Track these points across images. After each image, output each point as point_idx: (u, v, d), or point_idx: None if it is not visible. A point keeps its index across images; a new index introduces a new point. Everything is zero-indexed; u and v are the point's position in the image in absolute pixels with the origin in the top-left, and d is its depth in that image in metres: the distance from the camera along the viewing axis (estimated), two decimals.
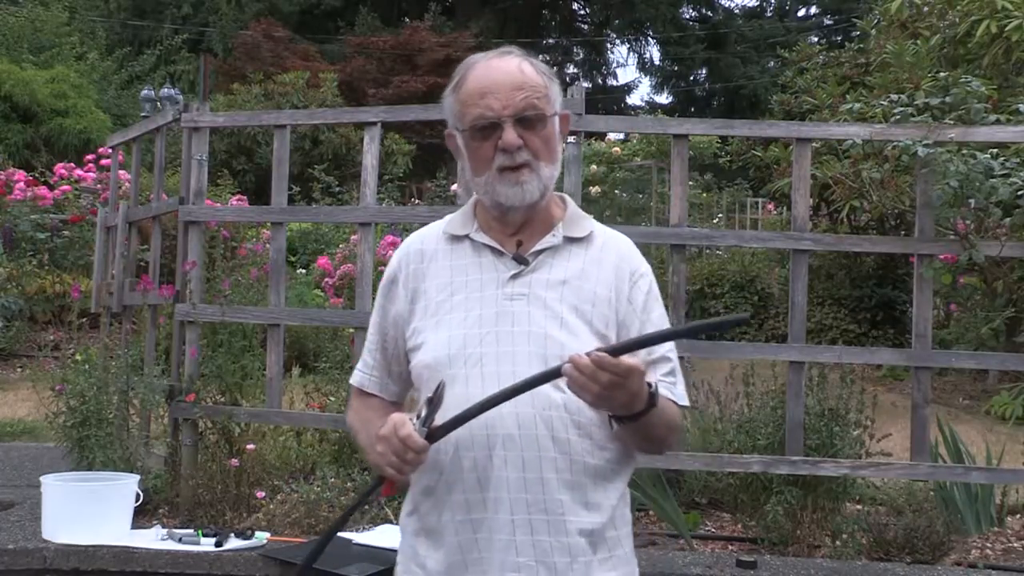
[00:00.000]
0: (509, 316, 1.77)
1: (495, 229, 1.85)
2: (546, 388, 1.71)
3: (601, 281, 1.82)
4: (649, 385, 1.69)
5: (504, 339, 1.75)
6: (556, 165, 1.83)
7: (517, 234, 1.84)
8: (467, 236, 1.85)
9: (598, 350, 1.61)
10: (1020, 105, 5.11)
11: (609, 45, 33.57)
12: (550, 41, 33.18)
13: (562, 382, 1.69)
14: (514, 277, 1.80)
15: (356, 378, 1.97)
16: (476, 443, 1.72)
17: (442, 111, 1.89)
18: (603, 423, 1.77)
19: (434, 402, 1.68)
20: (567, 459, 1.73)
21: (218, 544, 4.33)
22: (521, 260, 1.81)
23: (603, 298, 1.80)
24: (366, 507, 4.49)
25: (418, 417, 1.68)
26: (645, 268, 1.88)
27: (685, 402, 1.85)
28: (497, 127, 1.76)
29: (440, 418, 1.68)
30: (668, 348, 1.84)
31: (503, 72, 1.78)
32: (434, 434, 1.67)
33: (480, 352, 1.75)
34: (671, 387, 1.81)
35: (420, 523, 1.80)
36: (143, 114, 17.23)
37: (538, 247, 1.82)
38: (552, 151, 1.81)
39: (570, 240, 1.84)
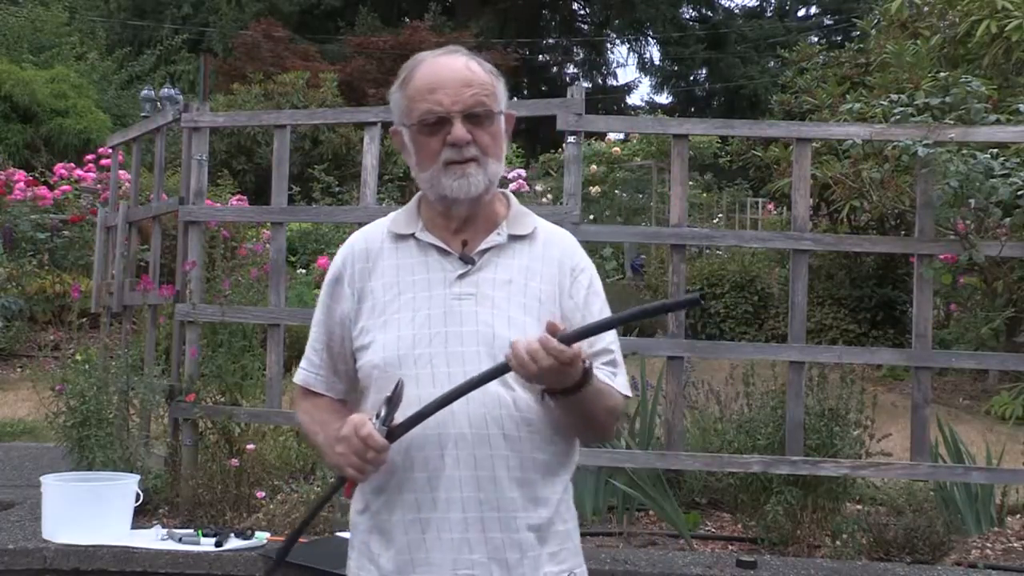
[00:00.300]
0: (457, 316, 1.79)
1: (440, 226, 1.86)
2: (496, 387, 1.74)
3: (546, 278, 1.85)
4: (583, 362, 1.70)
5: (453, 339, 1.78)
6: (502, 162, 1.85)
7: (462, 231, 1.86)
8: (412, 235, 1.87)
9: (552, 334, 1.63)
10: (1020, 105, 5.11)
11: (609, 45, 33.54)
12: (550, 41, 33.16)
13: (511, 379, 1.73)
14: (461, 277, 1.82)
15: (301, 377, 1.96)
16: (428, 443, 1.74)
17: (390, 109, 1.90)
18: (549, 418, 1.80)
19: (393, 401, 1.69)
20: (517, 456, 1.76)
21: (218, 544, 4.33)
22: (467, 260, 1.83)
23: (549, 295, 1.84)
24: None
25: (377, 416, 1.69)
26: (586, 263, 1.91)
27: (627, 392, 1.88)
28: (446, 122, 1.78)
29: (399, 416, 1.69)
30: (610, 340, 1.87)
31: (451, 69, 1.81)
32: (394, 432, 1.69)
33: (430, 352, 1.77)
34: (612, 377, 1.84)
35: (372, 521, 1.83)
36: (143, 114, 17.23)
37: (484, 246, 1.84)
38: (499, 148, 1.84)
39: (514, 238, 1.87)
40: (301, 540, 4.41)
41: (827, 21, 30.82)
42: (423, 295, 1.81)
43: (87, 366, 5.07)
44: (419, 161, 1.83)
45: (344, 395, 1.95)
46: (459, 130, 1.77)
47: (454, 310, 1.79)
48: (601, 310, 1.87)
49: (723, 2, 33.08)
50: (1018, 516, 5.43)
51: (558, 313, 1.82)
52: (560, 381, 1.68)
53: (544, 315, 1.80)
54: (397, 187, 12.94)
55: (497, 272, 1.83)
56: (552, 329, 1.63)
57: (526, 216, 1.91)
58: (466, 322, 1.78)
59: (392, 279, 1.85)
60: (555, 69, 33.70)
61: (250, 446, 4.88)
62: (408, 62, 1.87)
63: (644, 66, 33.04)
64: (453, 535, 1.74)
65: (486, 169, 1.81)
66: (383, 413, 1.69)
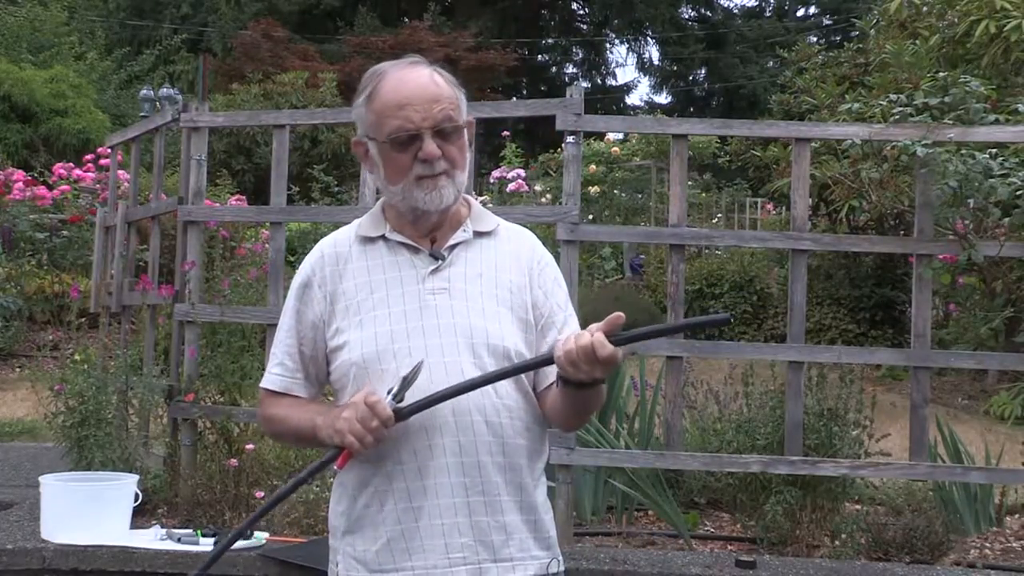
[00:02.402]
0: (433, 310, 1.85)
1: (407, 229, 1.91)
2: (475, 374, 1.79)
3: (514, 270, 1.92)
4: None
5: (431, 332, 1.83)
6: (467, 171, 1.91)
7: (430, 234, 1.91)
8: (382, 236, 1.92)
9: (609, 333, 1.65)
10: (1019, 105, 5.10)
11: (608, 45, 33.56)
12: (550, 41, 33.16)
13: (490, 367, 1.79)
14: (433, 272, 1.87)
15: (279, 383, 1.96)
16: (415, 434, 1.79)
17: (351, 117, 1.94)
18: (528, 406, 1.86)
19: (408, 379, 1.73)
20: (500, 442, 1.82)
21: (217, 544, 4.32)
22: (438, 256, 1.89)
23: (518, 285, 1.91)
24: None
25: (389, 392, 1.73)
26: (549, 258, 1.99)
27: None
28: (416, 139, 1.82)
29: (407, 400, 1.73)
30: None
31: (419, 84, 1.84)
32: (401, 412, 1.72)
33: (409, 346, 1.82)
34: None
35: (357, 518, 1.86)
36: (142, 114, 17.25)
37: (452, 242, 1.90)
38: (464, 158, 1.90)
39: (479, 234, 1.94)
40: (300, 540, 4.41)
41: (826, 21, 30.84)
42: (396, 292, 1.86)
43: (86, 366, 5.06)
44: (388, 175, 1.87)
45: (315, 398, 1.99)
46: (430, 146, 1.82)
47: (429, 305, 1.85)
48: (566, 300, 1.96)
49: (722, 2, 33.12)
50: (1017, 516, 5.44)
51: (528, 302, 1.90)
52: (591, 375, 1.71)
53: (516, 305, 1.88)
54: None
55: (467, 267, 1.89)
56: (614, 324, 1.66)
57: (487, 215, 1.99)
58: (442, 315, 1.84)
59: (364, 279, 1.89)
60: (554, 69, 33.71)
61: (249, 446, 4.87)
62: (369, 75, 1.90)
63: (643, 66, 33.09)
64: (444, 520, 1.79)
65: (455, 180, 1.87)
66: (395, 389, 1.72)
